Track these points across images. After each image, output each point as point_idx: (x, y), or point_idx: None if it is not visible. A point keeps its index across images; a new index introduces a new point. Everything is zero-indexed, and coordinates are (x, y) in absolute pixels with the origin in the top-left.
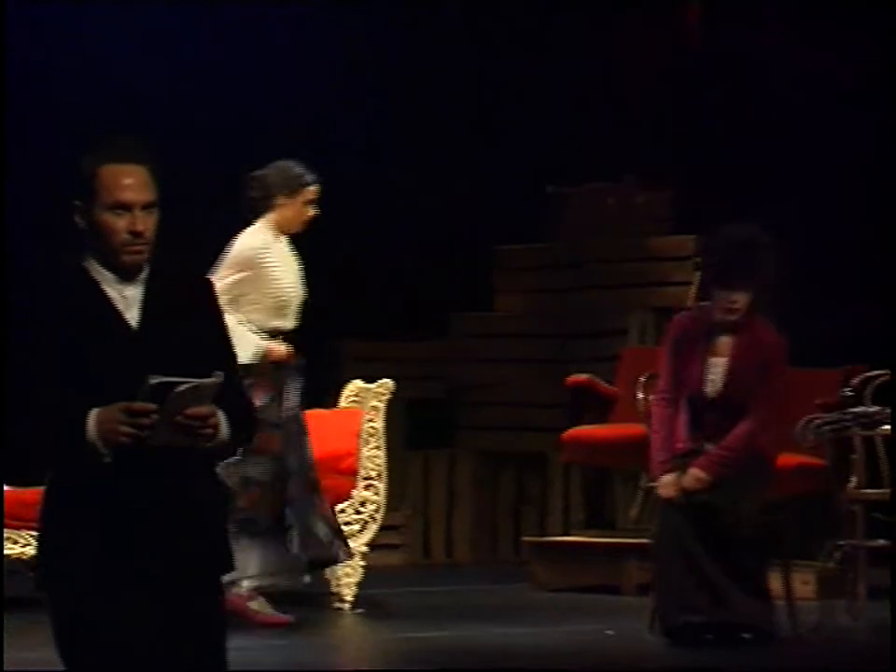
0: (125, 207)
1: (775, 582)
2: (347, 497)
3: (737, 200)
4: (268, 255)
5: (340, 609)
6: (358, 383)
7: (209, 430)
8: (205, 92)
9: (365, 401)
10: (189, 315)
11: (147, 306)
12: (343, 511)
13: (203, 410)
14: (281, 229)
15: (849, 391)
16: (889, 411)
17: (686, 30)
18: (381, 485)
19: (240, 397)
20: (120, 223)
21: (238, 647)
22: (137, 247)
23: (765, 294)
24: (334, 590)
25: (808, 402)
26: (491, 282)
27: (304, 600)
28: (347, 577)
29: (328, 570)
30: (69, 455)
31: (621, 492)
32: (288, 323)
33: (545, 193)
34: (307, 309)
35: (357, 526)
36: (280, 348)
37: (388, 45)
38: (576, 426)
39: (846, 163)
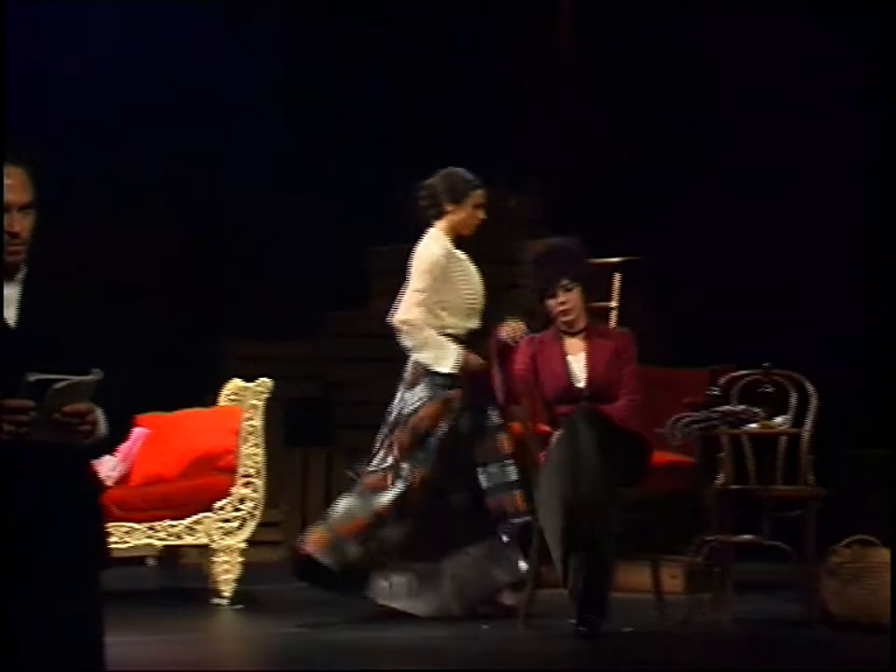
0: (2, 208)
1: (643, 577)
2: (226, 494)
3: (604, 202)
4: (453, 259)
5: (218, 604)
6: (237, 381)
7: (87, 427)
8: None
9: (244, 400)
10: (68, 314)
11: (25, 305)
12: (221, 508)
13: (80, 407)
14: (452, 234)
15: (716, 390)
16: (755, 409)
17: (556, 38)
18: (259, 483)
19: (119, 394)
20: None
21: (115, 642)
22: (14, 248)
23: (593, 289)
24: (212, 586)
25: (677, 401)
26: (366, 282)
27: (183, 596)
28: (226, 573)
29: (206, 566)
30: None
31: None
32: (476, 324)
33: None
34: (188, 308)
35: (235, 523)
36: (477, 359)
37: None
38: None
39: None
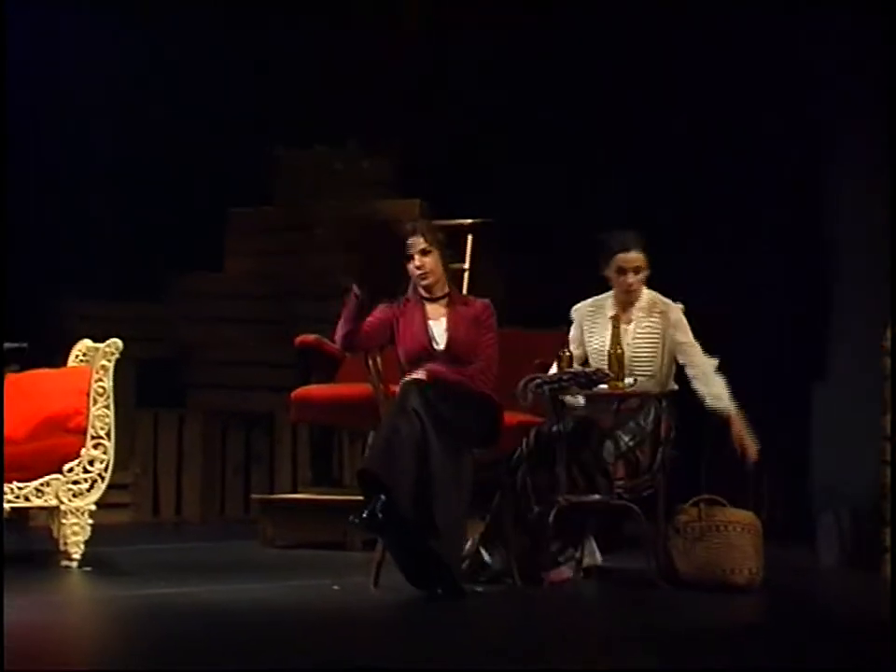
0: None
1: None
2: (76, 455)
3: (457, 164)
4: (587, 318)
5: (67, 567)
6: (87, 342)
7: None
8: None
9: (94, 360)
10: None
11: None
12: (70, 469)
13: None
14: (616, 294)
15: (567, 352)
16: (605, 370)
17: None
18: (109, 444)
19: None
20: None
21: None
22: None
23: (443, 249)
24: (62, 548)
25: (530, 363)
26: (222, 243)
27: (31, 558)
28: (75, 535)
29: (55, 528)
30: None
31: (348, 450)
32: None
33: (275, 156)
34: (37, 267)
35: (85, 485)
36: None
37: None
38: (304, 385)
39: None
